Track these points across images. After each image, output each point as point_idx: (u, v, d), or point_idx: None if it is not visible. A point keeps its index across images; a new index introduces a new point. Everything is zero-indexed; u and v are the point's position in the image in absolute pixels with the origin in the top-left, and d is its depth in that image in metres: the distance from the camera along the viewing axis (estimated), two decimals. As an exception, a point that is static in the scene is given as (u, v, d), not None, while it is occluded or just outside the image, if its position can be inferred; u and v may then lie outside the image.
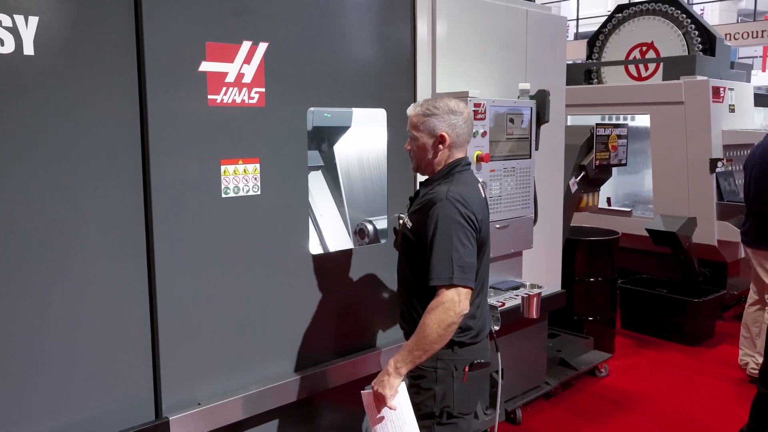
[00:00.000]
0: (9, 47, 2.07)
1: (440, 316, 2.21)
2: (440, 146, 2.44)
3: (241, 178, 2.68)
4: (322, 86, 2.94)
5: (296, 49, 2.81)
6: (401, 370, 2.26)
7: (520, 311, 3.63)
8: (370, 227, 4.19)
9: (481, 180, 3.34)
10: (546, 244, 4.28)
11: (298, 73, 2.83)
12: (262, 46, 2.69)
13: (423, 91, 3.43)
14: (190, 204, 2.56)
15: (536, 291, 3.65)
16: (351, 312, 3.24)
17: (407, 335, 2.50)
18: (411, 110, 2.53)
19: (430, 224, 2.29)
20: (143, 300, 2.48)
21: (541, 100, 3.74)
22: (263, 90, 2.71)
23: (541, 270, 4.24)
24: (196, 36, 2.50)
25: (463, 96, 3.32)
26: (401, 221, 2.61)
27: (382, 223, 4.31)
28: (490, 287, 3.66)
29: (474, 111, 3.33)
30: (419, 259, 2.37)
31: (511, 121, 3.59)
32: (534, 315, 3.60)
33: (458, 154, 2.49)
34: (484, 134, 3.40)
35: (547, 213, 4.22)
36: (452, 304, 2.21)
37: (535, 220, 3.90)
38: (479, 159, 3.36)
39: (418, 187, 2.64)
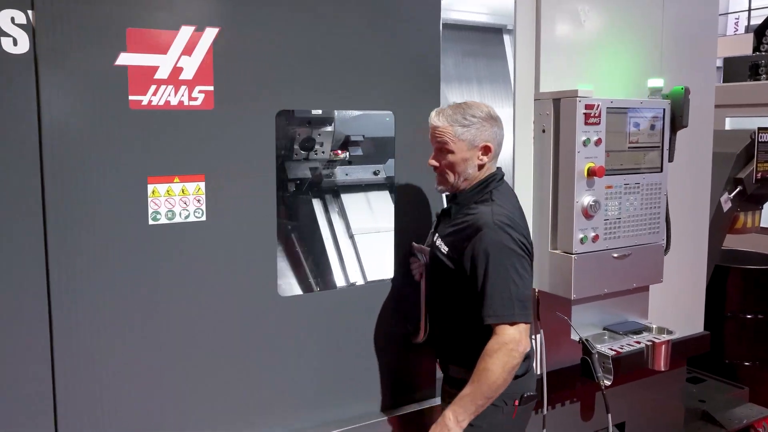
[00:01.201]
0: None
1: (504, 359, 2.02)
2: (484, 158, 2.19)
3: (177, 201, 2.13)
4: (299, 83, 2.33)
5: (260, 36, 2.23)
6: (463, 423, 2.07)
7: (644, 360, 2.96)
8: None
9: (593, 199, 2.75)
10: (683, 276, 3.51)
11: (262, 68, 2.24)
12: (210, 33, 2.13)
13: (524, 91, 2.87)
14: (100, 233, 2.03)
15: (665, 338, 2.95)
16: (340, 374, 2.57)
17: (445, 370, 2.36)
18: (439, 120, 2.20)
19: (479, 254, 2.07)
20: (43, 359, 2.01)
21: (678, 99, 3.01)
22: (211, 89, 2.15)
23: (675, 308, 3.47)
24: (111, 19, 1.98)
25: (571, 95, 2.72)
26: (434, 243, 2.29)
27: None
28: (605, 328, 3.01)
29: (585, 114, 2.72)
30: (458, 288, 2.17)
31: (636, 125, 2.91)
32: (661, 367, 2.94)
33: (494, 166, 2.28)
34: (598, 142, 2.76)
35: (685, 238, 3.45)
36: (515, 344, 2.04)
37: (667, 248, 3.17)
38: (591, 173, 2.74)
39: (444, 203, 2.48)
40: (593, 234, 2.80)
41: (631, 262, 2.96)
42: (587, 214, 2.77)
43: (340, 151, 3.57)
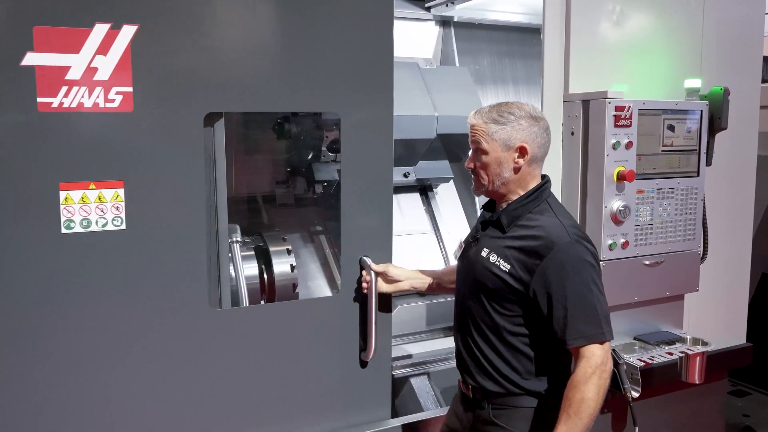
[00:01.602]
0: None
1: (599, 382, 1.87)
2: (520, 160, 2.01)
3: (93, 208, 2.00)
4: (231, 84, 2.16)
5: (185, 33, 2.07)
6: None
7: (678, 371, 2.85)
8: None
9: (622, 204, 2.66)
10: (723, 284, 3.36)
11: (188, 67, 2.08)
12: (128, 31, 1.98)
13: (552, 92, 2.80)
14: (7, 243, 1.92)
15: (700, 349, 2.83)
16: (282, 393, 2.38)
17: (482, 393, 2.10)
18: (475, 118, 2.06)
19: (556, 272, 1.90)
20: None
21: (717, 101, 2.88)
22: (130, 90, 2.01)
23: (714, 318, 3.32)
24: (16, 17, 1.86)
25: (600, 97, 2.63)
26: (482, 257, 2.07)
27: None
28: (635, 338, 2.91)
29: (615, 116, 2.63)
30: (515, 305, 2.00)
31: (671, 128, 2.80)
32: (696, 379, 2.82)
33: (539, 172, 2.10)
34: (628, 146, 2.67)
35: (725, 245, 3.29)
36: (605, 364, 1.89)
37: (704, 256, 3.04)
38: (621, 177, 2.65)
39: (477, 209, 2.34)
40: (623, 240, 2.71)
41: (665, 270, 2.85)
42: (616, 219, 2.68)
43: (368, 153, 3.55)
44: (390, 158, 2.39)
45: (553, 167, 2.84)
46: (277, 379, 2.33)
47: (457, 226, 4.12)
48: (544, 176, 2.11)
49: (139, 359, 2.12)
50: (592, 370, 1.86)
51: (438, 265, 3.88)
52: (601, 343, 1.89)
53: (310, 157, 3.46)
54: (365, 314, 2.36)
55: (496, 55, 4.50)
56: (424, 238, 3.96)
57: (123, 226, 2.05)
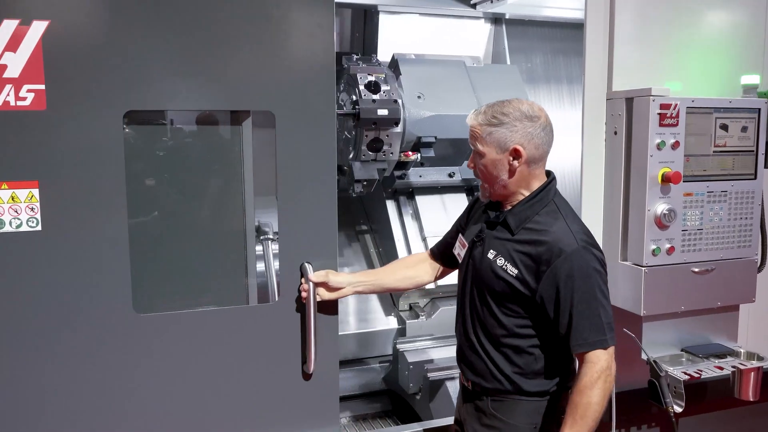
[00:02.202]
0: None
1: (604, 386, 1.89)
2: (515, 162, 1.95)
3: (6, 209, 1.95)
4: (153, 81, 2.04)
5: (101, 28, 1.98)
6: None
7: (730, 387, 2.67)
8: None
9: (667, 208, 2.51)
10: (786, 295, 3.11)
11: (105, 64, 1.99)
12: (38, 27, 1.91)
13: (594, 90, 2.67)
14: None
15: (754, 364, 2.64)
16: (213, 404, 2.23)
17: (482, 388, 2.08)
18: (472, 119, 2.02)
19: (564, 280, 1.89)
20: None
21: (778, 97, 2.68)
22: (42, 87, 1.94)
23: (775, 331, 3.09)
24: None
25: (644, 94, 2.49)
26: (486, 259, 2.02)
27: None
28: (683, 350, 2.75)
29: (659, 115, 2.48)
30: (521, 308, 1.98)
31: (724, 127, 2.62)
32: (750, 396, 2.64)
33: (541, 171, 2.03)
34: (675, 146, 2.51)
35: (789, 254, 3.05)
36: (610, 369, 1.91)
37: (762, 264, 2.83)
38: (665, 179, 2.50)
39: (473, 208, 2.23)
40: (668, 246, 2.56)
41: (716, 278, 2.67)
42: (661, 223, 2.53)
43: (411, 153, 3.52)
44: (333, 160, 2.25)
45: (595, 168, 2.72)
46: (210, 390, 2.20)
47: (504, 228, 4.02)
48: (549, 173, 2.05)
49: (56, 367, 2.02)
50: (597, 374, 1.87)
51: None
52: (605, 348, 1.90)
53: (351, 156, 3.46)
54: (306, 324, 2.23)
55: (549, 53, 4.37)
56: (469, 240, 3.88)
57: (38, 228, 1.97)
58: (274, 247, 2.84)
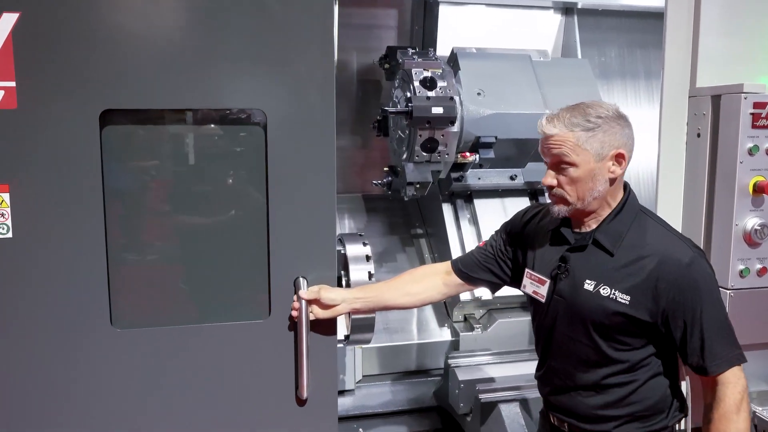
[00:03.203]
0: None
1: (747, 407, 1.73)
2: (617, 169, 1.74)
3: None
4: (133, 78, 1.88)
5: (76, 22, 1.83)
6: None
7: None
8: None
9: (759, 223, 2.19)
10: None
11: (81, 59, 1.85)
12: (8, 19, 1.78)
13: (675, 86, 2.37)
14: None
15: None
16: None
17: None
18: (554, 127, 1.73)
19: (688, 294, 1.68)
20: None
21: None
22: (12, 84, 1.81)
23: None
24: None
25: (734, 91, 2.17)
26: (588, 290, 1.75)
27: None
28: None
29: (752, 115, 2.17)
30: (637, 338, 1.76)
31: (832, 130, 2.26)
32: None
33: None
34: (770, 151, 2.18)
35: None
36: (746, 388, 1.73)
37: None
38: (758, 189, 2.18)
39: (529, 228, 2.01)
40: (759, 266, 2.24)
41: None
42: (751, 240, 2.21)
43: (468, 154, 3.28)
44: (331, 163, 2.05)
45: (674, 175, 2.41)
46: (194, 415, 2.04)
47: (570, 236, 3.72)
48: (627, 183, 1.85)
49: (27, 383, 1.91)
50: (740, 395, 1.69)
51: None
52: (741, 365, 1.73)
53: (404, 157, 3.26)
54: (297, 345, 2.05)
55: (626, 46, 4.02)
56: (532, 248, 3.61)
57: (9, 234, 1.85)
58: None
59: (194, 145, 2.07)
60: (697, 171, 2.35)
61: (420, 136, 3.07)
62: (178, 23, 1.92)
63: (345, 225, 3.93)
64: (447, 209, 3.66)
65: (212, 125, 2.07)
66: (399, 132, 3.31)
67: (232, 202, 2.13)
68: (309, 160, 2.05)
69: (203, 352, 2.05)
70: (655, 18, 3.95)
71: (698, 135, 2.34)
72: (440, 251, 3.73)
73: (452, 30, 3.73)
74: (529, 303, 1.96)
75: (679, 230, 2.43)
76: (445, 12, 3.70)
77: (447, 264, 2.18)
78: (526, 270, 1.93)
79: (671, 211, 2.43)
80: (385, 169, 3.50)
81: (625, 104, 3.93)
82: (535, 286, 1.88)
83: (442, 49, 3.62)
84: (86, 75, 1.85)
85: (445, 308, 3.63)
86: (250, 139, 2.07)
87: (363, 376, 3.39)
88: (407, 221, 4.04)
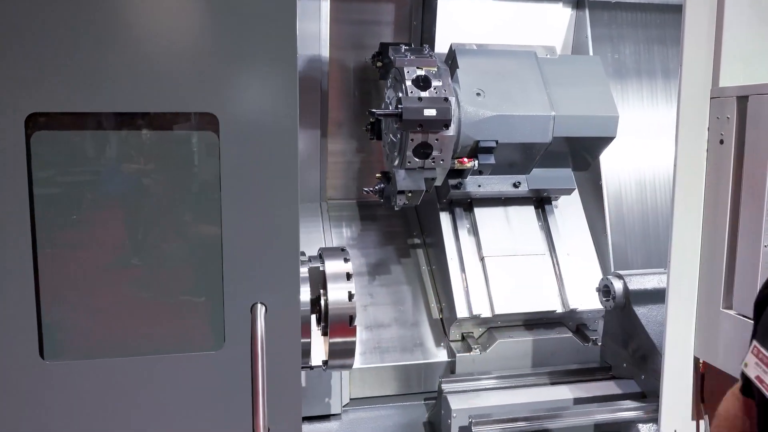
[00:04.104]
0: None
1: None
2: None
3: None
4: (64, 79, 1.68)
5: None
6: None
7: None
8: (618, 285, 2.89)
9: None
10: None
11: (4, 60, 1.65)
12: None
13: (694, 85, 2.08)
14: None
15: None
16: None
17: None
18: None
19: None
20: None
21: None
22: None
23: None
24: None
25: (763, 91, 1.88)
26: None
27: (648, 281, 2.96)
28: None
29: (785, 119, 1.85)
30: None
31: None
32: None
33: None
34: (806, 161, 1.88)
35: None
36: None
37: None
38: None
39: None
40: (791, 293, 1.92)
41: None
42: (782, 264, 1.91)
43: (466, 159, 3.00)
44: (293, 173, 1.83)
45: (692, 186, 2.12)
46: None
47: (579, 248, 3.44)
48: None
49: None
50: None
51: (549, 292, 3.24)
52: None
53: (396, 163, 2.99)
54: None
55: (642, 42, 3.72)
56: (536, 261, 3.33)
57: None
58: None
59: (136, 154, 1.82)
60: (720, 183, 2.05)
61: (412, 140, 2.80)
62: (116, 17, 1.69)
63: (339, 234, 3.68)
64: (445, 218, 3.39)
65: (157, 131, 1.82)
66: (390, 136, 3.04)
67: (181, 218, 1.89)
68: (268, 170, 1.82)
69: (149, 388, 1.85)
70: (675, 12, 3.65)
71: (721, 141, 2.05)
72: (438, 263, 3.46)
73: (453, 25, 3.47)
74: (742, 390, 1.44)
75: (697, 249, 2.16)
76: (444, 6, 3.44)
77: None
78: (754, 342, 1.43)
79: (688, 226, 2.14)
80: (377, 175, 3.24)
81: (641, 106, 3.63)
82: (763, 370, 1.37)
83: (442, 46, 3.35)
84: (10, 75, 1.65)
85: (441, 325, 3.37)
86: (201, 146, 1.83)
87: (350, 399, 3.13)
88: (405, 230, 3.78)
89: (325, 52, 3.57)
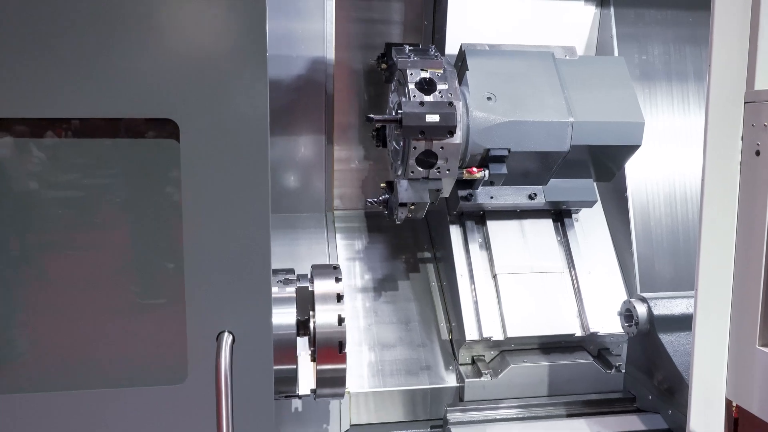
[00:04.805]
0: None
1: None
2: None
3: None
4: (13, 83, 1.52)
5: None
6: None
7: None
8: (642, 309, 2.61)
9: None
10: None
11: None
12: None
13: (725, 89, 1.81)
14: None
15: None
16: None
17: None
18: None
19: None
20: None
21: None
22: None
23: None
24: None
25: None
26: None
27: (675, 306, 2.68)
28: None
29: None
30: None
31: None
32: None
33: None
34: None
35: None
36: None
37: None
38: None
39: None
40: (840, 331, 1.65)
41: None
42: (829, 296, 1.63)
43: (476, 169, 2.77)
44: (263, 186, 1.64)
45: (723, 202, 1.85)
46: None
47: (601, 265, 3.17)
48: None
49: None
50: None
51: (567, 313, 2.98)
52: None
53: (399, 172, 2.77)
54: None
55: (673, 42, 3.42)
56: (554, 279, 3.07)
57: None
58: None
59: (87, 165, 1.64)
60: (755, 200, 1.78)
61: (414, 148, 2.58)
62: (64, 15, 1.51)
63: (344, 246, 3.47)
64: (455, 231, 3.16)
65: (110, 139, 1.64)
66: (393, 143, 2.83)
67: (138, 237, 1.70)
68: (236, 182, 1.63)
69: (107, 423, 1.68)
70: (708, 9, 3.35)
71: (757, 153, 1.78)
72: (449, 279, 3.23)
73: (467, 24, 3.23)
74: None
75: (729, 275, 1.88)
76: (457, 4, 3.20)
77: None
78: None
79: (718, 248, 1.87)
80: (381, 185, 3.02)
81: (671, 111, 3.34)
82: None
83: (455, 46, 3.12)
84: None
85: (450, 347, 3.13)
86: (160, 156, 1.64)
87: (351, 425, 2.93)
88: (415, 243, 3.55)
89: (330, 53, 3.37)
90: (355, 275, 3.37)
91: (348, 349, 3.08)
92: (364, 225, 3.61)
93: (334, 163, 3.57)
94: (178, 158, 1.57)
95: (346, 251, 3.47)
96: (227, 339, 1.64)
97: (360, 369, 3.02)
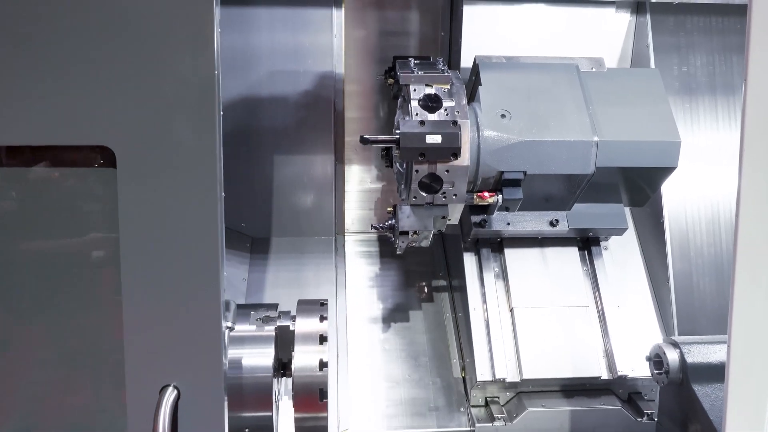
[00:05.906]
0: None
1: None
2: None
3: None
4: None
5: None
6: None
7: None
8: (673, 356, 2.28)
9: None
10: None
11: None
12: None
13: (764, 98, 1.53)
14: None
15: None
16: None
17: None
18: None
19: None
20: None
21: None
22: None
23: None
24: None
25: None
26: None
27: (713, 353, 2.34)
28: None
29: None
30: None
31: None
32: None
33: None
34: None
35: None
36: None
37: None
38: None
39: None
40: None
41: None
42: None
43: (488, 194, 2.51)
44: (215, 221, 1.45)
45: (761, 231, 1.55)
46: None
47: (633, 300, 2.86)
48: None
49: None
50: None
51: (593, 353, 2.68)
52: None
53: (403, 197, 2.54)
54: None
55: (717, 51, 3.10)
56: (578, 314, 2.78)
57: None
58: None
59: (14, 197, 1.47)
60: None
61: (417, 171, 2.35)
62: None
63: (354, 272, 3.26)
64: (469, 260, 2.90)
65: (39, 168, 1.46)
66: (397, 165, 2.60)
67: (71, 278, 1.52)
68: (182, 216, 1.42)
69: None
70: (759, 14, 3.02)
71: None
72: (464, 310, 2.97)
73: (485, 36, 2.99)
74: None
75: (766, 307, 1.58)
76: (473, 14, 2.96)
77: None
78: None
79: (756, 291, 1.57)
80: (388, 209, 2.79)
81: (715, 128, 3.01)
82: None
83: (469, 59, 2.87)
84: None
85: (463, 385, 2.86)
86: (95, 187, 1.46)
87: (349, 472, 2.68)
88: (429, 270, 3.31)
89: (339, 67, 3.18)
90: (363, 304, 3.14)
91: (351, 384, 2.87)
92: (376, 249, 3.39)
93: (345, 184, 3.36)
94: (115, 188, 1.39)
95: (356, 278, 3.25)
96: (170, 394, 1.45)
97: (363, 407, 2.79)
